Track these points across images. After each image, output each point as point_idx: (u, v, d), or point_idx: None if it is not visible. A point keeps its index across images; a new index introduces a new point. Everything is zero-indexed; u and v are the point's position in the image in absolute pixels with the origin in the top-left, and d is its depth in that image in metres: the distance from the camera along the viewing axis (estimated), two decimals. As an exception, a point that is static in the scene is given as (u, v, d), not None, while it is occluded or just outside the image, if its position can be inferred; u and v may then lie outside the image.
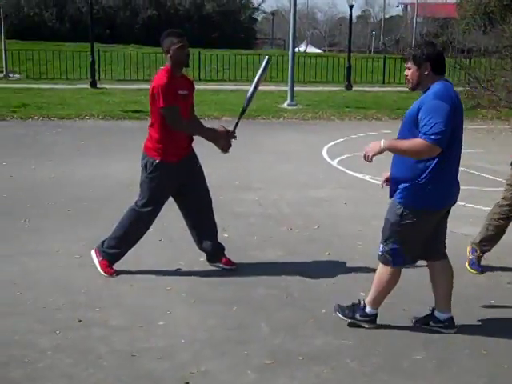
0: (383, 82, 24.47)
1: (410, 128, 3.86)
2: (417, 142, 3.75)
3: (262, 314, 4.55)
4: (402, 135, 3.94)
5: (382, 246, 4.15)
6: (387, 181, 4.20)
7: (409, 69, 3.92)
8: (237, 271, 5.33)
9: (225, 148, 4.99)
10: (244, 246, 6.01)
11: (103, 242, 5.20)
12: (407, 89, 4.09)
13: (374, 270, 4.34)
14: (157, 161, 4.87)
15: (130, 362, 3.85)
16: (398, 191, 3.98)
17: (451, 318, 4.27)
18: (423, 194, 3.89)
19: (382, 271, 4.17)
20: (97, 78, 21.21)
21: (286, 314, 4.55)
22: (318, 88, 22.35)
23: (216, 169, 8.33)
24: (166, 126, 4.81)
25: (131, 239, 5.16)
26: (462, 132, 3.95)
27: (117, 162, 9.68)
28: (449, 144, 3.79)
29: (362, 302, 4.31)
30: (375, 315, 4.30)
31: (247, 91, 5.04)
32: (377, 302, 4.26)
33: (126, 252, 5.19)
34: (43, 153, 10.41)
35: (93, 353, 3.94)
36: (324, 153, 10.98)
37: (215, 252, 5.35)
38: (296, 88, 18.05)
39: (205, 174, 5.22)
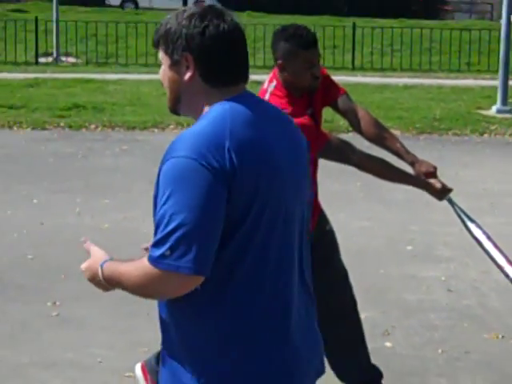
0: None
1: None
2: (138, 266, 2.62)
3: None
4: None
5: None
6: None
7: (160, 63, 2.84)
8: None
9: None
10: (420, 367, 5.64)
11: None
12: None
13: None
14: None
15: None
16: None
17: None
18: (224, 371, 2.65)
19: None
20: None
21: None
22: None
23: (368, 221, 8.49)
24: None
25: None
26: (293, 213, 2.72)
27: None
28: (238, 254, 2.59)
29: None
30: None
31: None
32: None
33: None
34: None
35: None
36: None
37: (366, 381, 5.18)
38: (512, 83, 17.35)
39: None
